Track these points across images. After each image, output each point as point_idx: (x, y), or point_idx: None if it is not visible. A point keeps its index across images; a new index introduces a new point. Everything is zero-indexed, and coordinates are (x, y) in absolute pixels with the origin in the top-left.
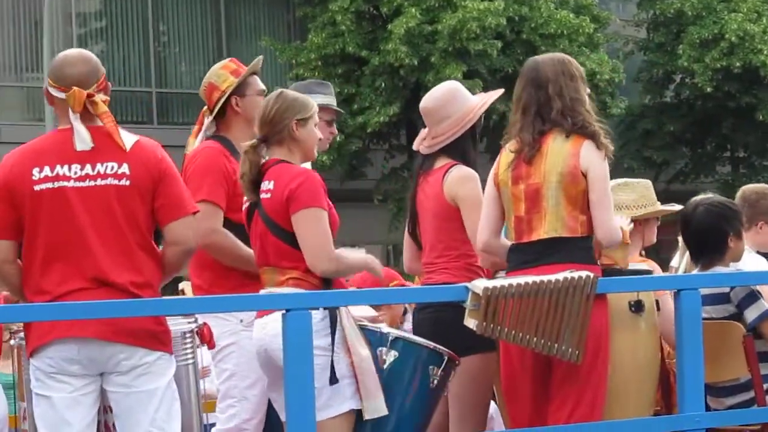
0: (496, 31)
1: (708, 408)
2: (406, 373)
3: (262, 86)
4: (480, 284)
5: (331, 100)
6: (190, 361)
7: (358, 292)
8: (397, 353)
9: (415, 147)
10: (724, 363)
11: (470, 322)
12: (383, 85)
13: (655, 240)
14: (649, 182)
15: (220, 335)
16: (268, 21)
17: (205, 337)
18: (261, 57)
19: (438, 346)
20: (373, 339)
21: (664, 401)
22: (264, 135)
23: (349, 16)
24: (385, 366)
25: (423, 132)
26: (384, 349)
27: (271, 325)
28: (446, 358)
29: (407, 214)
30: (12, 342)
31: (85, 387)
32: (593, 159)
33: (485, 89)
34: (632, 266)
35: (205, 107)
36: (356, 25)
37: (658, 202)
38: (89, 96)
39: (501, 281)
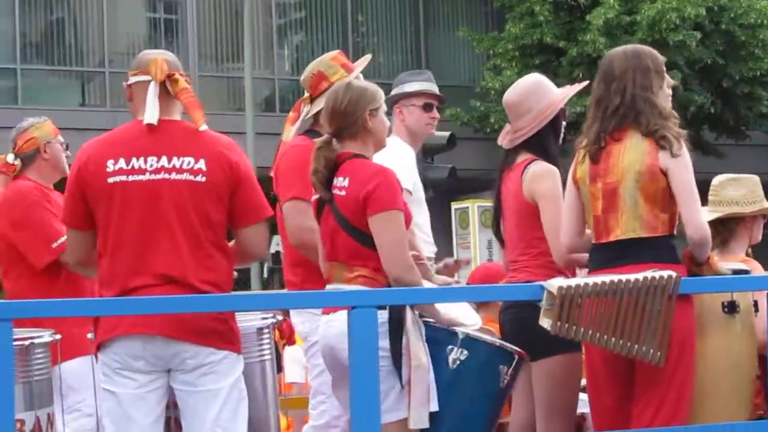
0: (695, 22)
1: None
2: (475, 373)
3: None
4: (555, 283)
5: (427, 86)
6: (267, 357)
7: (425, 290)
8: (467, 352)
9: (499, 142)
10: None
11: (545, 322)
12: (581, 75)
13: (760, 238)
14: (757, 178)
15: (311, 331)
16: (466, 11)
17: (284, 332)
18: (369, 56)
19: (508, 345)
20: (443, 338)
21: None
22: (336, 128)
23: (547, 7)
24: (455, 365)
25: (507, 126)
26: (454, 347)
27: (337, 323)
28: (517, 358)
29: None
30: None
31: (151, 383)
32: (669, 157)
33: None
34: (726, 266)
35: (306, 95)
36: (554, 15)
37: (766, 199)
38: (170, 75)
39: (577, 280)
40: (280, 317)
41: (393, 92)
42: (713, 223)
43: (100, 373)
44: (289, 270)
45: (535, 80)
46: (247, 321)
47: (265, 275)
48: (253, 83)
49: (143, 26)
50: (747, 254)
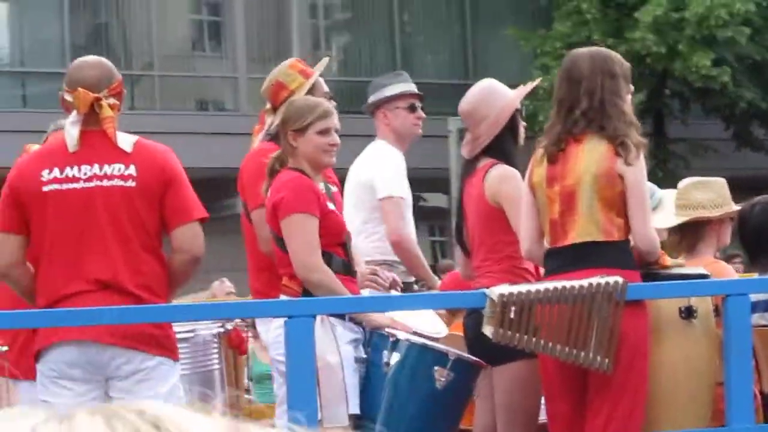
0: (744, 18)
1: None
2: (407, 375)
3: (327, 88)
4: (497, 290)
5: (408, 87)
6: (215, 367)
7: (363, 298)
8: (399, 355)
9: (462, 153)
10: None
11: (487, 330)
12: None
13: (729, 241)
14: (724, 181)
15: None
16: (513, 9)
17: (232, 341)
18: (327, 59)
19: (442, 347)
20: (381, 343)
21: None
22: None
23: (595, 4)
24: (387, 369)
25: (467, 136)
26: (387, 351)
27: (272, 331)
28: (452, 359)
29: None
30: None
31: (88, 393)
32: (624, 164)
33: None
34: (682, 270)
35: (268, 106)
36: (602, 13)
37: (733, 202)
38: (97, 99)
39: (520, 287)
40: (229, 326)
41: (373, 97)
42: (680, 227)
43: (38, 383)
44: (254, 276)
45: (486, 85)
46: (195, 330)
47: None
48: None
49: (190, 29)
50: (715, 256)
